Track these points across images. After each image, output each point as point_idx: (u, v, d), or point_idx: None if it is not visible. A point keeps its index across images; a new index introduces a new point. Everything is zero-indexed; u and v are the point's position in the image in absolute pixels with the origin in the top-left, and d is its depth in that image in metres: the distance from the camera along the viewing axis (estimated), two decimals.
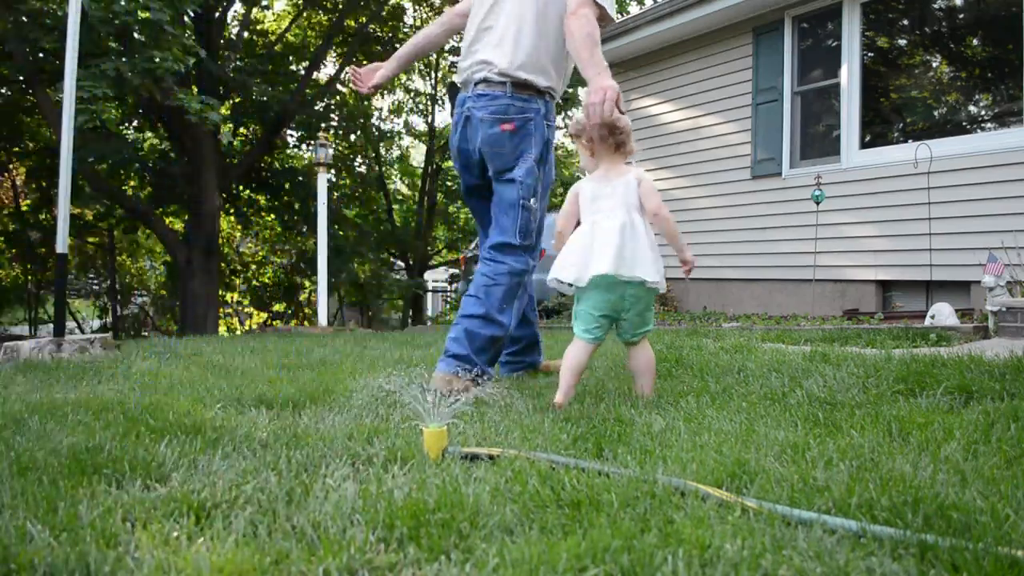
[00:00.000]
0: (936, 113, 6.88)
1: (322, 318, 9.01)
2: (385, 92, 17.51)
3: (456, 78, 3.10)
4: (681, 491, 1.46)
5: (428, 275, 21.24)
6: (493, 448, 1.80)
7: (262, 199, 15.78)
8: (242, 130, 14.62)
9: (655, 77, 8.41)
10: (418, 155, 21.40)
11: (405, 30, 15.89)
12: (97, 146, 10.87)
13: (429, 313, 21.29)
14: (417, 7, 16.51)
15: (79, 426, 2.09)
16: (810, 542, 1.20)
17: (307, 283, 17.77)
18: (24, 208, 15.49)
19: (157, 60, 8.35)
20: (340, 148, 16.20)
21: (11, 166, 15.03)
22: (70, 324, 16.38)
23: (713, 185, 7.66)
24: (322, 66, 15.32)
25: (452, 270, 20.45)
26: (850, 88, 6.50)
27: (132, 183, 14.47)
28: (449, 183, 19.26)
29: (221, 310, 16.07)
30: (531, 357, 3.28)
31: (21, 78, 10.67)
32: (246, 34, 14.16)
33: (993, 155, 5.51)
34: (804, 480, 1.50)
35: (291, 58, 15.24)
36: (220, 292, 15.14)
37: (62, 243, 4.34)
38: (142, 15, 8.26)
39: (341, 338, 5.93)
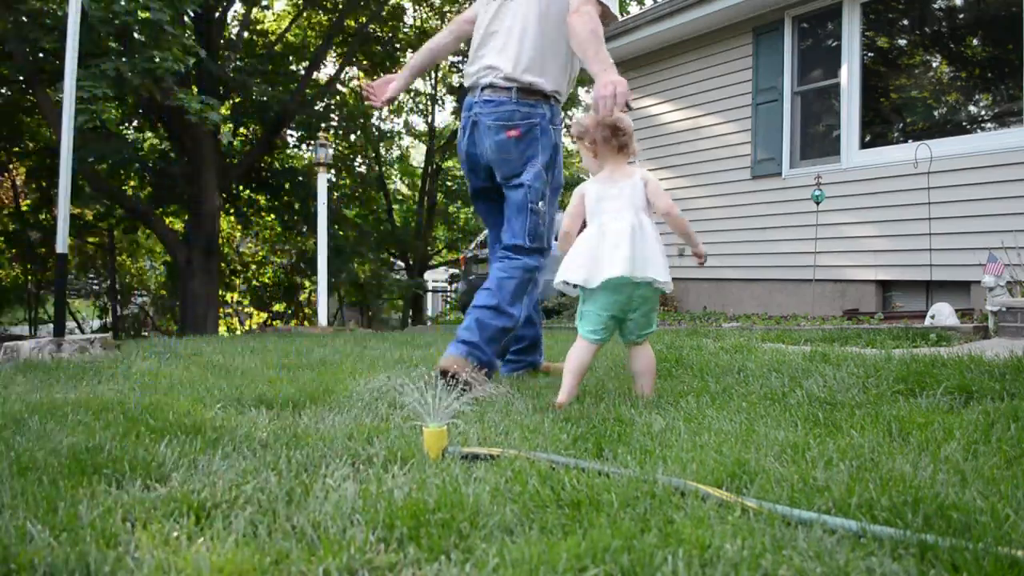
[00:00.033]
0: (936, 113, 6.88)
1: (322, 318, 9.01)
2: None
3: (464, 82, 3.13)
4: (681, 491, 1.46)
5: (428, 275, 21.25)
6: (493, 448, 1.80)
7: (262, 199, 15.78)
8: (242, 130, 14.62)
9: (655, 77, 8.41)
10: (418, 155, 21.42)
11: (405, 30, 15.90)
12: (97, 146, 10.88)
13: (429, 313, 21.31)
14: (417, 7, 16.52)
15: (79, 426, 2.09)
16: (810, 542, 1.20)
17: (307, 283, 17.77)
18: (24, 208, 15.49)
19: (157, 60, 8.35)
20: (340, 148, 16.20)
21: (11, 166, 15.03)
22: (70, 324, 16.38)
23: (713, 185, 7.66)
24: (322, 66, 15.33)
25: (452, 270, 20.48)
26: (850, 88, 6.50)
27: (132, 183, 14.47)
28: (449, 183, 19.27)
29: (221, 310, 16.07)
30: (532, 357, 3.31)
31: (21, 78, 10.68)
32: (246, 34, 14.16)
33: (993, 155, 5.51)
34: (804, 480, 1.50)
35: (291, 58, 15.25)
36: (220, 292, 15.15)
37: (62, 243, 4.34)
38: (142, 15, 8.27)
39: (341, 338, 5.93)
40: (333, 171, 15.12)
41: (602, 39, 2.72)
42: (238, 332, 16.81)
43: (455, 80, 17.45)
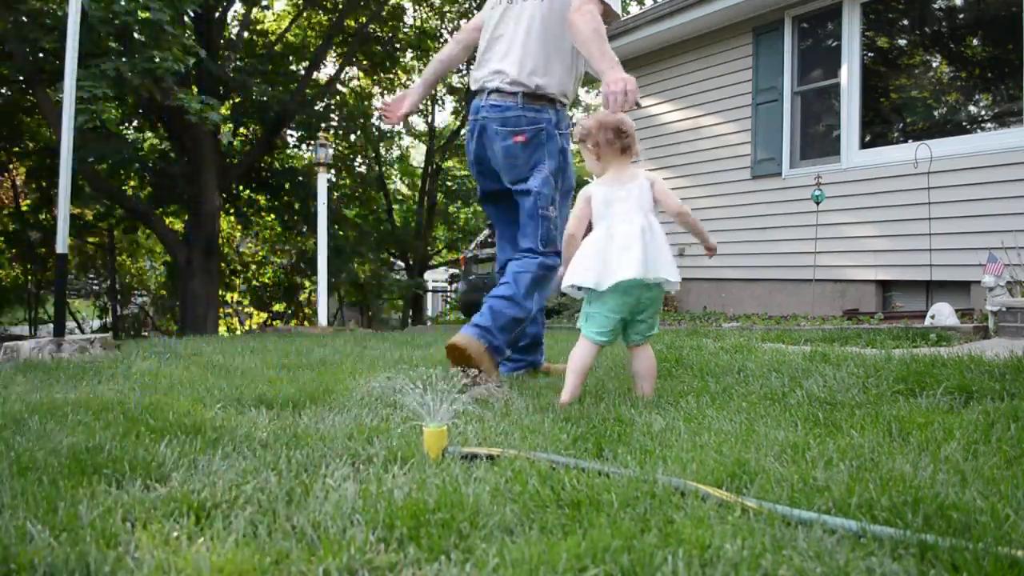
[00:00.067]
0: (936, 113, 6.88)
1: (322, 318, 9.01)
2: (385, 92, 17.51)
3: (471, 86, 3.15)
4: (681, 491, 1.46)
5: (428, 275, 21.25)
6: (493, 448, 1.80)
7: (262, 199, 15.78)
8: (242, 130, 14.62)
9: (655, 77, 8.41)
10: (418, 155, 21.41)
11: (405, 30, 15.90)
12: (97, 146, 10.87)
13: (429, 313, 21.31)
14: (417, 7, 16.51)
15: (79, 426, 2.09)
16: (810, 542, 1.20)
17: (307, 283, 17.77)
18: (24, 208, 15.49)
19: (157, 60, 8.35)
20: (340, 148, 16.19)
21: (11, 166, 15.03)
22: (70, 324, 16.38)
23: (713, 185, 7.66)
24: (322, 66, 15.33)
25: (452, 270, 20.47)
26: (850, 88, 6.50)
27: (132, 183, 14.47)
28: (449, 183, 19.25)
29: (221, 310, 16.07)
30: (533, 356, 3.32)
31: (21, 78, 10.67)
32: (246, 34, 14.16)
33: (993, 155, 5.51)
34: (804, 480, 1.50)
35: (291, 58, 15.25)
36: (220, 292, 15.14)
37: (62, 243, 4.34)
38: (142, 15, 8.26)
39: (341, 338, 5.93)
40: (333, 171, 15.12)
41: (605, 37, 2.73)
42: (238, 332, 16.81)
43: (455, 80, 17.44)
